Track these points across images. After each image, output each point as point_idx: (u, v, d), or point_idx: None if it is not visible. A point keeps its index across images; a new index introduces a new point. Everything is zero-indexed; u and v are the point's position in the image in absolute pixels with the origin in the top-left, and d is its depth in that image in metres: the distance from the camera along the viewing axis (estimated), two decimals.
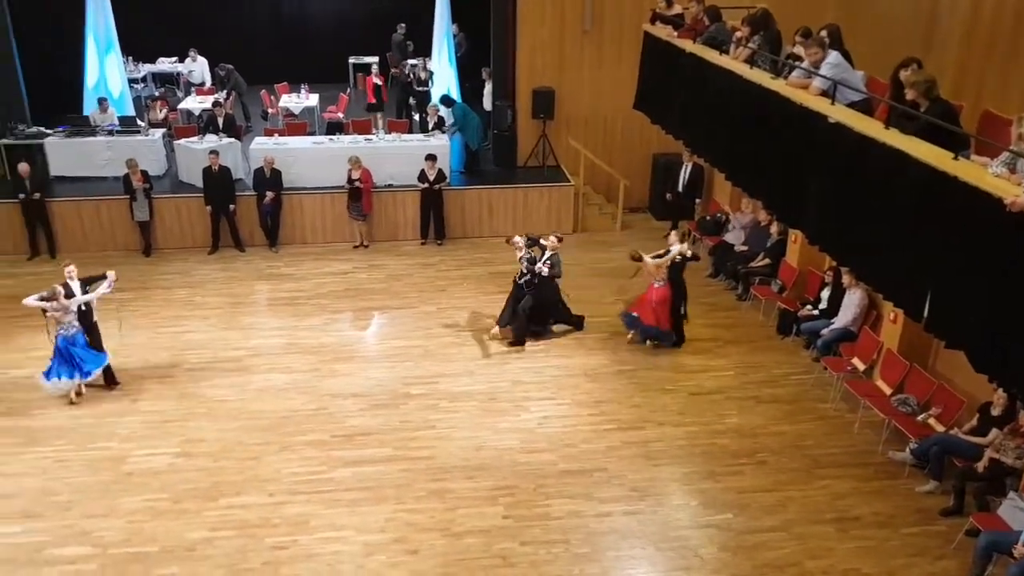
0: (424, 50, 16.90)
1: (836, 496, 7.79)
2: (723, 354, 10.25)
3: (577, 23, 13.89)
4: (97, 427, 8.66)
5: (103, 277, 9.23)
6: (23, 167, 12.33)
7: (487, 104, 15.57)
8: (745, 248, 11.93)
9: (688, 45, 9.77)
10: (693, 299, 10.65)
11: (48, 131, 13.66)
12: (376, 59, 18.16)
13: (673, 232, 10.55)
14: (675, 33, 10.22)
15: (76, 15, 14.45)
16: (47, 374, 8.94)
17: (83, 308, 9.04)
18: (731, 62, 8.81)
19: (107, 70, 14.67)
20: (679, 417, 8.99)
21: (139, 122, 14.22)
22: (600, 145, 14.29)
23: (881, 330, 9.17)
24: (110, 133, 13.63)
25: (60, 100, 14.72)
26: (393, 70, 17.50)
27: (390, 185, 13.32)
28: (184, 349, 10.24)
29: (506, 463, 8.24)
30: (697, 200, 13.50)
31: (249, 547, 7.09)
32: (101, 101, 14.04)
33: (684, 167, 13.29)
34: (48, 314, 8.80)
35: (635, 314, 10.33)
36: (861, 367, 9.13)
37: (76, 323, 8.94)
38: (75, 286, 9.01)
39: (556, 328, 10.70)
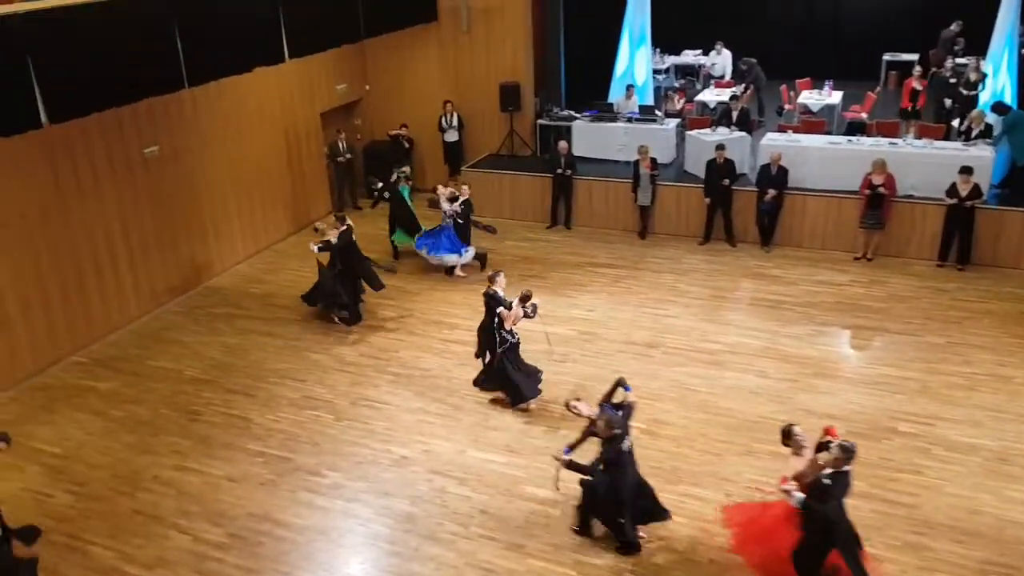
0: (977, 49, 15.23)
1: None
2: None
3: None
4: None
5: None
6: (563, 145, 14.23)
7: None
8: None
9: None
10: None
11: (577, 115, 15.58)
12: (916, 56, 16.93)
13: None
14: None
15: (616, 11, 16.08)
16: (419, 242, 12.99)
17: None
18: None
19: (635, 61, 16.17)
20: None
21: (656, 112, 15.40)
22: None
23: None
24: (628, 120, 15.01)
25: (590, 87, 16.66)
26: (934, 68, 16.14)
27: (910, 196, 12.39)
28: (663, 332, 10.88)
29: (1008, 538, 7.16)
30: None
31: (700, 540, 7.30)
32: (629, 87, 15.53)
33: None
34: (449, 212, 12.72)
35: None
36: None
37: (449, 219, 12.72)
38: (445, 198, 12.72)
39: None
